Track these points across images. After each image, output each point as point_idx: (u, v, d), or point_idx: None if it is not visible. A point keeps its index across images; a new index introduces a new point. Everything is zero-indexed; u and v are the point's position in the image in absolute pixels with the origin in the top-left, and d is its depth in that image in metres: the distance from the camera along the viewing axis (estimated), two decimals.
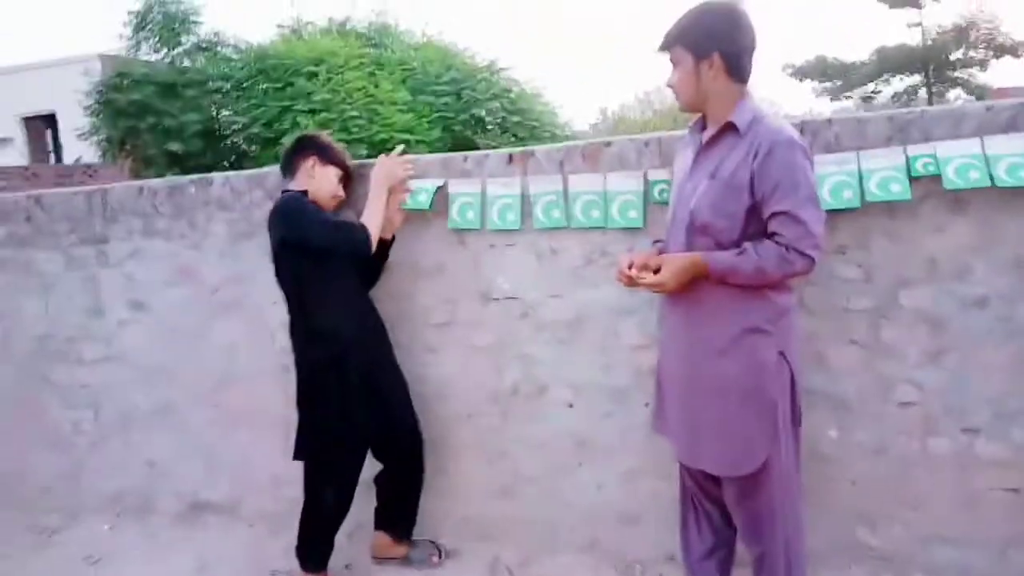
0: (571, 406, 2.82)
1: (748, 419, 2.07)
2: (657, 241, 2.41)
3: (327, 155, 2.74)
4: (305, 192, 2.67)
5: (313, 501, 2.74)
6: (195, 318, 3.30)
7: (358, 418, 2.66)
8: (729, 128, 2.08)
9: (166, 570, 3.05)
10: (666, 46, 2.13)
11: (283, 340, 3.13)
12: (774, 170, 1.97)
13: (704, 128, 2.21)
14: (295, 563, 2.96)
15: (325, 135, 2.88)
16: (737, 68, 2.07)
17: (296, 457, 2.72)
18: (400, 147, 2.89)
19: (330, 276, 2.66)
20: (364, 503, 2.85)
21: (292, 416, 3.14)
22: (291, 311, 2.69)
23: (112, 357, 3.47)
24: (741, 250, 2.01)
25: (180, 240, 3.29)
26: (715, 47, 2.05)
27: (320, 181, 2.71)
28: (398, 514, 2.91)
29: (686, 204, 2.13)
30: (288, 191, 2.68)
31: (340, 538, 2.81)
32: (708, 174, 2.09)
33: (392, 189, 2.77)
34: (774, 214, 1.98)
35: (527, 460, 2.91)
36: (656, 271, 2.10)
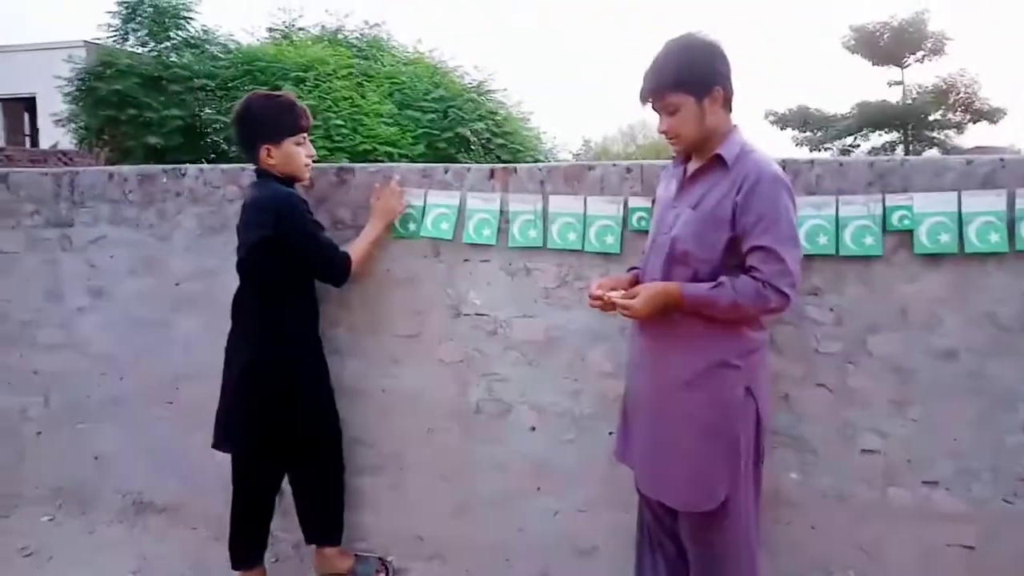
0: (534, 429, 2.78)
1: (711, 454, 2.05)
2: (632, 268, 2.39)
3: (275, 133, 2.52)
4: (279, 178, 2.56)
5: (241, 495, 2.68)
6: (155, 311, 3.22)
7: (296, 416, 2.60)
8: (716, 161, 2.07)
9: (103, 568, 2.94)
10: (661, 93, 2.05)
11: None
12: (757, 204, 1.96)
13: (688, 159, 2.20)
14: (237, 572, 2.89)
15: (262, 102, 2.59)
16: (730, 99, 2.09)
17: (221, 447, 2.65)
18: (396, 178, 2.77)
19: (300, 283, 2.64)
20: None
21: None
22: (248, 306, 2.60)
23: (67, 344, 3.37)
24: (717, 283, 1.99)
25: (147, 230, 3.21)
26: (714, 82, 2.04)
27: (282, 163, 2.55)
28: (322, 520, 2.81)
29: (667, 232, 2.12)
30: (263, 174, 2.58)
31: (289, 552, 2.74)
32: (691, 204, 2.08)
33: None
34: (753, 248, 1.97)
35: (485, 481, 2.85)
36: (631, 296, 2.08)
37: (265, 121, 2.53)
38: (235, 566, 2.71)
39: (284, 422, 2.58)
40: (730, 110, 2.11)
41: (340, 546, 2.83)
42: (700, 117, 2.05)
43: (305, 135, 2.60)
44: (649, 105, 2.11)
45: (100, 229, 3.28)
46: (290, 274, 2.58)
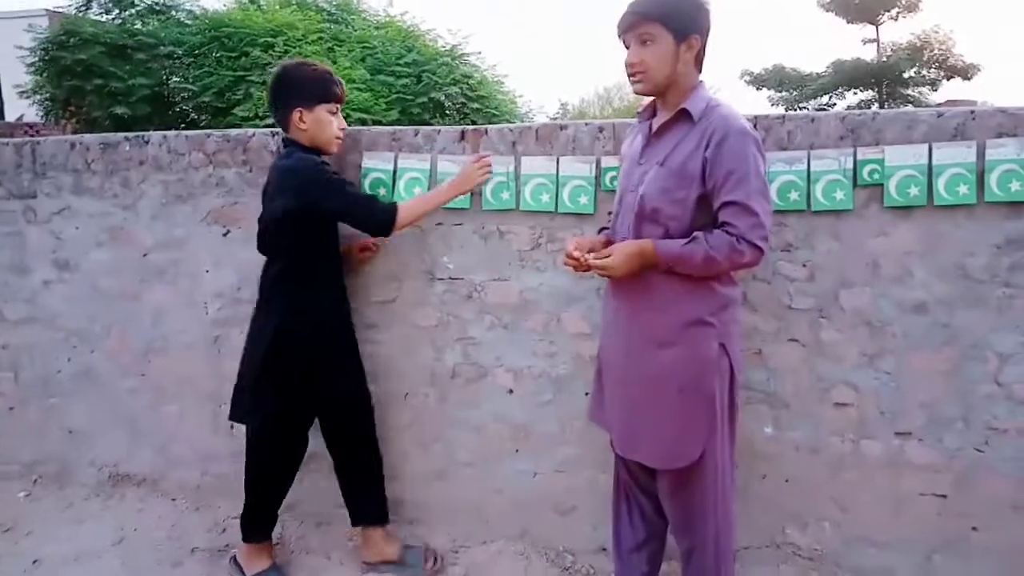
0: (511, 392, 2.78)
1: (686, 411, 2.05)
2: (603, 228, 2.38)
3: (309, 97, 2.46)
4: (305, 147, 2.49)
5: (257, 467, 2.62)
6: (124, 282, 3.16)
7: (322, 385, 2.57)
8: (682, 115, 2.05)
9: (82, 542, 2.92)
10: (642, 21, 2.01)
11: (215, 310, 3.05)
12: (727, 159, 1.95)
13: (653, 115, 2.18)
14: (218, 540, 2.89)
15: (298, 68, 2.54)
16: (703, 56, 2.08)
17: (243, 420, 2.60)
18: (486, 154, 2.65)
19: (328, 251, 2.59)
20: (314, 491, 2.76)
21: (221, 389, 3.07)
22: (273, 277, 2.53)
23: (35, 318, 3.31)
24: (691, 239, 1.98)
25: (112, 200, 3.14)
26: (695, 30, 2.02)
27: (313, 130, 2.48)
28: (365, 496, 2.74)
29: (635, 190, 2.10)
30: (290, 143, 2.51)
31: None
32: (658, 161, 2.06)
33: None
34: (725, 203, 1.96)
35: (463, 444, 2.86)
36: (605, 256, 2.07)
37: (301, 84, 2.48)
38: (247, 538, 2.66)
39: (310, 391, 2.55)
40: (700, 68, 2.09)
41: (387, 526, 2.75)
42: (672, 58, 2.02)
43: (338, 106, 2.54)
44: (625, 35, 2.06)
45: (64, 200, 3.21)
46: (316, 242, 2.53)
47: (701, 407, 2.05)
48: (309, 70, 2.52)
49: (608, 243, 2.21)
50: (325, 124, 2.50)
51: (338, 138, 2.57)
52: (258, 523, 2.67)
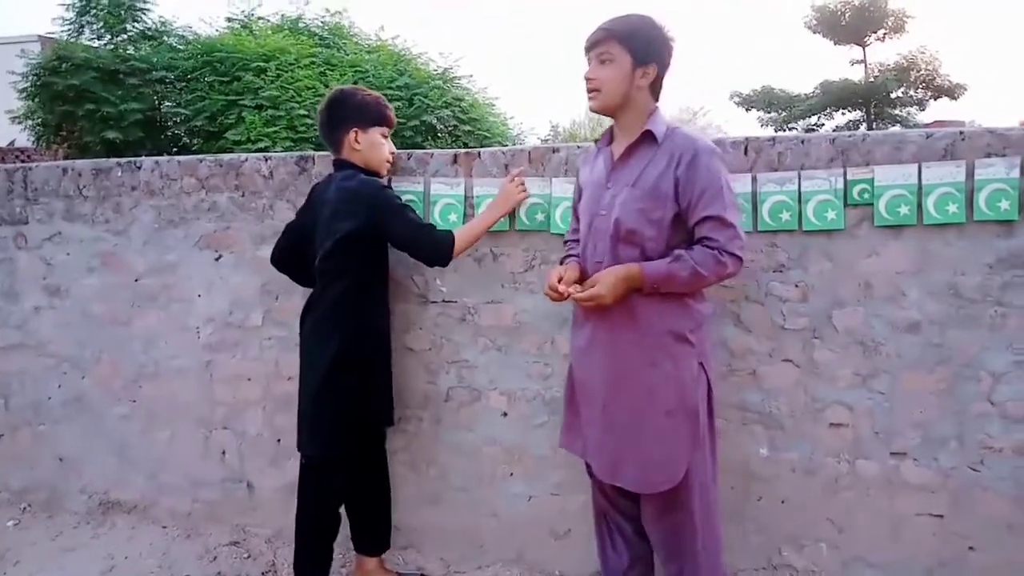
0: (505, 415, 2.76)
1: (672, 432, 2.05)
2: (569, 256, 2.33)
3: (364, 118, 2.53)
4: (358, 167, 2.52)
5: (318, 503, 2.53)
6: (115, 307, 3.15)
7: (375, 414, 2.57)
8: (647, 137, 2.10)
9: (71, 571, 2.88)
10: (606, 39, 2.07)
11: (207, 334, 3.03)
12: (700, 178, 2.00)
13: (611, 141, 2.22)
14: (210, 568, 2.86)
15: (355, 91, 2.60)
16: (660, 86, 2.15)
17: (310, 450, 2.51)
18: (519, 169, 2.63)
19: (384, 275, 2.61)
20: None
21: (213, 414, 3.06)
22: (330, 299, 2.48)
23: (25, 344, 3.29)
24: (675, 256, 2.00)
25: (104, 225, 3.13)
26: (653, 59, 2.09)
27: (367, 151, 2.54)
28: (377, 527, 2.71)
29: (607, 213, 2.11)
30: (343, 164, 2.54)
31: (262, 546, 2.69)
32: (629, 183, 2.09)
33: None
34: (704, 219, 2.00)
35: (457, 468, 2.84)
36: (589, 285, 2.06)
37: (357, 106, 2.54)
38: None
39: (366, 417, 2.53)
40: (656, 97, 2.16)
41: (383, 556, 2.73)
42: (628, 81, 2.07)
43: (389, 130, 2.61)
44: (588, 52, 2.11)
45: (55, 225, 3.20)
46: (375, 265, 2.54)
47: (686, 427, 2.06)
48: (364, 94, 2.58)
49: (582, 270, 2.20)
50: (378, 146, 2.56)
51: (388, 161, 2.62)
52: (316, 566, 2.56)
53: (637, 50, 2.06)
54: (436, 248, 2.42)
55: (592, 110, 2.18)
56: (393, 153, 2.65)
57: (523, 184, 2.59)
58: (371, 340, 2.53)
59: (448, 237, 2.43)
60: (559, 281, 2.13)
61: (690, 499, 2.08)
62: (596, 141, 2.32)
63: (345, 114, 2.53)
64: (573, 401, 2.30)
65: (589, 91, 2.12)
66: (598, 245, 2.13)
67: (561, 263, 2.33)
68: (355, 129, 2.51)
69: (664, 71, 2.13)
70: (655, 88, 2.14)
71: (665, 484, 2.06)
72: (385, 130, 2.58)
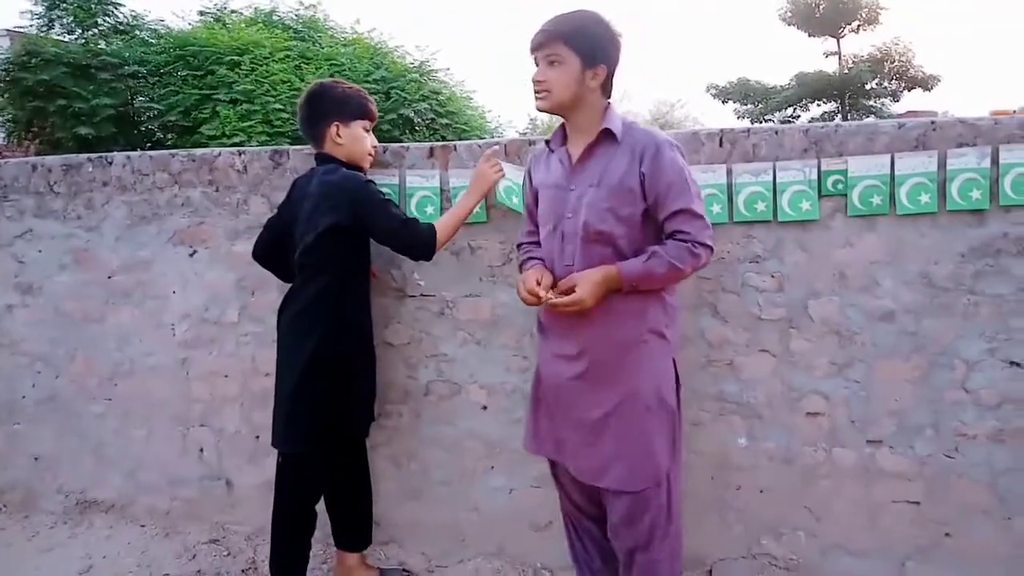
0: (485, 408, 2.76)
1: (653, 428, 2.04)
2: (532, 259, 2.26)
3: (346, 112, 2.51)
4: (340, 161, 2.50)
5: (293, 500, 2.51)
6: (88, 305, 3.11)
7: (354, 409, 2.53)
8: (605, 135, 2.06)
9: (48, 571, 2.85)
10: (551, 41, 2.02)
11: (182, 331, 3.00)
12: (666, 172, 1.99)
13: (564, 141, 2.18)
14: (189, 567, 2.84)
15: (335, 85, 2.58)
16: (610, 85, 2.10)
17: (286, 447, 2.48)
18: (494, 148, 2.58)
19: (366, 270, 2.58)
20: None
21: (189, 412, 3.03)
22: (309, 294, 2.44)
23: None
24: (651, 254, 1.99)
25: (75, 222, 3.09)
26: (602, 60, 2.04)
27: (349, 145, 2.52)
28: (356, 521, 2.68)
29: (573, 216, 2.07)
30: (325, 158, 2.52)
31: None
32: (592, 183, 2.05)
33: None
34: (674, 213, 2.00)
35: (437, 462, 2.83)
36: (567, 291, 2.01)
37: (338, 100, 2.52)
38: None
39: (345, 415, 2.49)
40: (608, 95, 2.11)
41: (365, 552, 2.70)
42: (577, 82, 2.02)
43: (371, 124, 2.59)
44: (535, 53, 2.06)
45: (26, 223, 3.15)
46: (356, 260, 2.51)
47: (665, 423, 2.06)
48: (346, 87, 2.57)
49: (552, 274, 2.13)
50: (360, 139, 2.55)
51: (370, 155, 2.60)
52: (292, 565, 2.52)
53: (584, 52, 2.01)
54: (419, 241, 2.39)
55: (540, 109, 2.11)
56: (375, 146, 2.63)
57: (498, 163, 2.53)
58: (352, 336, 2.50)
59: (430, 230, 2.40)
60: (538, 284, 2.06)
61: (664, 495, 2.07)
62: (547, 142, 2.25)
63: (326, 107, 2.51)
64: (540, 405, 2.24)
65: (537, 92, 2.07)
66: (566, 248, 2.09)
67: (521, 267, 2.29)
68: (336, 123, 2.49)
69: (614, 69, 2.07)
70: (606, 87, 2.08)
71: (650, 481, 2.04)
72: (367, 123, 2.57)
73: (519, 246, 2.38)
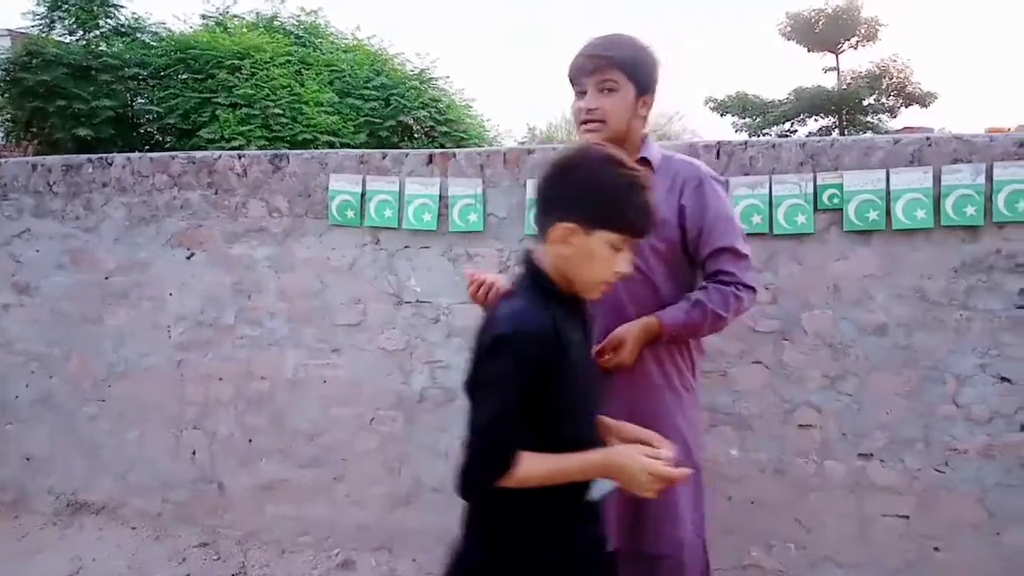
0: None
1: (682, 489, 1.86)
2: None
3: (600, 218, 1.43)
4: (546, 283, 1.47)
5: None
6: (85, 305, 3.11)
7: None
8: (642, 164, 1.89)
9: (38, 572, 2.84)
10: (607, 67, 1.84)
11: (178, 333, 3.01)
12: (709, 206, 1.88)
13: None
14: (179, 570, 2.83)
15: (609, 170, 1.43)
16: (650, 115, 1.98)
17: None
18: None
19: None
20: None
21: (184, 414, 3.03)
22: None
23: None
24: (693, 303, 1.86)
25: (74, 222, 3.10)
26: (653, 88, 1.93)
27: (577, 258, 1.43)
28: None
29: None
30: (530, 269, 1.50)
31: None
32: None
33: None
34: (718, 251, 1.87)
35: (430, 469, 2.83)
36: (614, 348, 1.84)
37: (601, 200, 1.45)
38: None
39: None
40: (646, 125, 1.99)
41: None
42: (632, 110, 1.88)
43: (629, 242, 1.47)
44: (584, 79, 1.86)
45: (24, 222, 3.16)
46: None
47: (695, 482, 1.91)
48: (619, 171, 1.50)
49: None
50: (597, 258, 1.56)
51: (605, 283, 1.53)
52: None
53: (641, 80, 1.87)
54: (468, 468, 1.44)
55: (592, 141, 1.75)
56: (619, 273, 1.48)
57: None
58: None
59: (499, 463, 1.41)
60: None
61: (689, 560, 1.94)
62: None
63: (576, 198, 1.46)
64: None
65: (589, 122, 1.86)
66: (629, 308, 1.89)
67: None
68: (579, 222, 1.42)
69: (655, 101, 1.94)
70: (646, 118, 1.96)
71: (675, 544, 1.91)
72: (620, 240, 1.45)
73: None
